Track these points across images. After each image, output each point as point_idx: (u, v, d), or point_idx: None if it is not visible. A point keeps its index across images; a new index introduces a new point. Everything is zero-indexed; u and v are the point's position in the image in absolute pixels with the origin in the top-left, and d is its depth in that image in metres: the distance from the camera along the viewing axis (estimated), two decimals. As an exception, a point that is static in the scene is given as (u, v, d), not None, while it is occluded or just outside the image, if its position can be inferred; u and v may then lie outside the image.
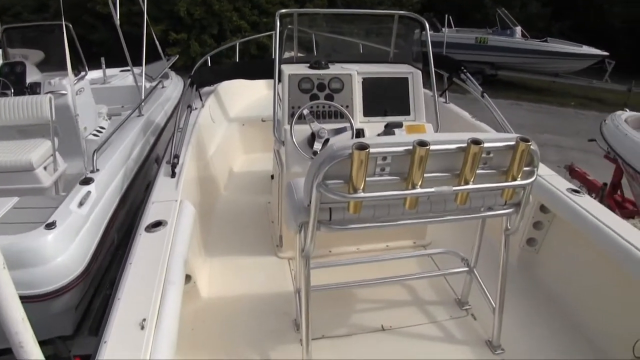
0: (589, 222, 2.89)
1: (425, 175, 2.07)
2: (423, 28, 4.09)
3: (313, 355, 2.62)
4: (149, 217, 2.80)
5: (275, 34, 3.86)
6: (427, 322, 3.15)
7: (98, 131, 5.96)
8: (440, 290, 3.43)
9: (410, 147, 1.99)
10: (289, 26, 4.56)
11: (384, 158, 2.04)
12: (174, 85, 7.78)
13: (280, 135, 3.67)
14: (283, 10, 4.04)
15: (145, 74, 7.96)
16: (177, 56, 9.16)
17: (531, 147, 2.13)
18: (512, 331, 2.94)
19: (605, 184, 6.45)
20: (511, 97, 16.68)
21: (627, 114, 6.30)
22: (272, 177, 4.06)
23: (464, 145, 2.06)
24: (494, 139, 2.18)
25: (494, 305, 2.80)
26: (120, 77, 7.70)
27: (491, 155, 2.18)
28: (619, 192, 6.50)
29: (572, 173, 7.14)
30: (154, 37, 7.98)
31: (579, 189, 3.26)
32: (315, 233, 2.25)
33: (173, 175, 3.34)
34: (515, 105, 15.87)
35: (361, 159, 1.93)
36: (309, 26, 6.17)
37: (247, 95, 6.48)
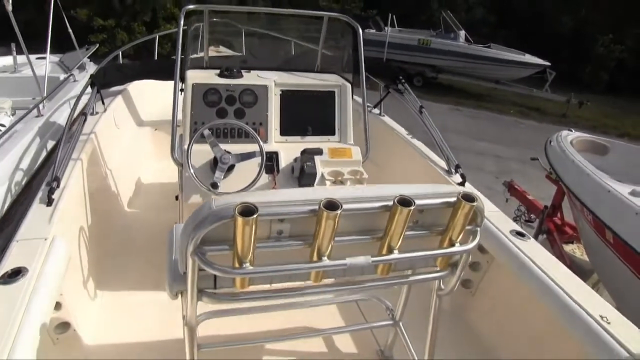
0: (529, 271, 2.56)
1: (336, 238, 1.63)
2: (355, 33, 3.64)
3: None
4: (7, 263, 2.18)
5: (179, 33, 3.34)
6: None
7: None
8: (362, 340, 3.01)
9: (315, 208, 1.53)
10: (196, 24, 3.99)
11: (281, 220, 1.60)
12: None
13: (179, 156, 3.15)
14: (190, 6, 3.42)
15: (62, 63, 7.07)
16: (97, 45, 8.16)
17: (477, 205, 1.72)
18: None
19: (546, 207, 6.18)
20: (451, 102, 16.82)
21: (573, 135, 5.99)
22: (177, 198, 3.46)
23: (389, 204, 1.61)
24: (428, 194, 1.75)
25: None
26: (36, 65, 6.84)
27: (424, 212, 1.79)
28: (559, 214, 6.21)
29: (512, 190, 6.91)
30: (66, 21, 7.02)
31: (523, 232, 2.88)
32: (197, 303, 1.83)
33: (49, 203, 2.65)
34: (455, 110, 15.91)
35: (247, 226, 1.47)
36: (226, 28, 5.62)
37: (162, 97, 5.76)
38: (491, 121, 15.28)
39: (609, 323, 2.13)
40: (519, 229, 2.92)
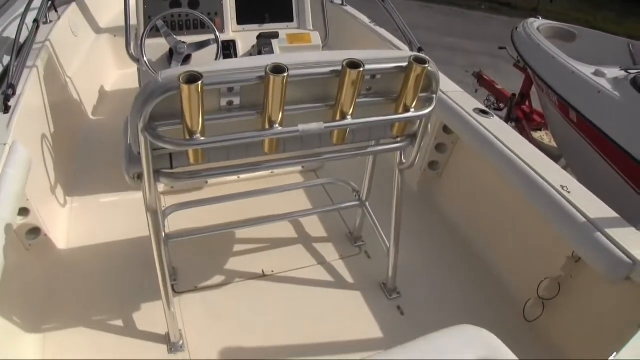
0: (493, 147, 2.62)
1: (287, 107, 1.64)
2: None
3: (183, 310, 2.46)
4: None
5: None
6: (314, 263, 2.86)
7: None
8: (331, 224, 3.13)
9: (262, 75, 1.50)
10: None
11: (230, 89, 1.56)
12: None
13: (136, 53, 3.09)
14: None
15: None
16: None
17: (429, 68, 1.70)
18: (410, 270, 2.73)
19: (514, 95, 6.23)
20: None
21: (539, 21, 5.95)
22: None
23: (338, 69, 1.58)
24: (379, 59, 1.70)
25: (388, 245, 2.55)
26: None
27: (378, 77, 1.75)
28: (527, 102, 6.26)
29: (480, 81, 6.94)
30: None
31: (487, 110, 2.93)
32: (155, 185, 1.83)
33: (6, 110, 2.58)
34: (425, 7, 15.51)
35: (194, 94, 1.45)
36: None
37: (120, 2, 5.58)
38: (461, 17, 15.00)
39: (569, 192, 2.21)
40: (482, 107, 2.95)
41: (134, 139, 1.66)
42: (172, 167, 1.83)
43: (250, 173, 1.98)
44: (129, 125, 1.69)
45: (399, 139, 2.08)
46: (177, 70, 1.47)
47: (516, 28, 5.87)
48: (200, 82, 1.41)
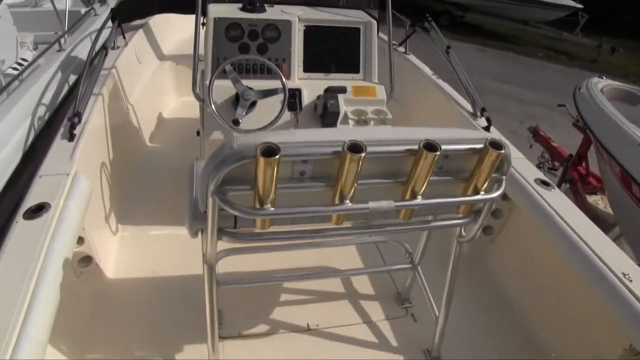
0: (552, 221, 2.54)
1: (359, 181, 1.61)
2: None
3: (226, 356, 2.47)
4: (30, 199, 2.21)
5: None
6: (359, 321, 2.83)
7: (19, 64, 5.02)
8: (380, 282, 3.09)
9: (339, 150, 1.49)
10: None
11: (304, 160, 1.56)
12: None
13: (200, 92, 3.15)
14: None
15: None
16: None
17: (504, 153, 1.67)
18: (454, 338, 2.64)
19: (571, 155, 6.04)
20: (477, 42, 16.33)
21: (603, 82, 5.78)
22: (198, 133, 3.44)
23: (415, 148, 1.58)
24: (455, 139, 1.70)
25: (437, 313, 2.50)
26: None
27: (449, 157, 1.75)
28: (584, 164, 6.08)
29: (536, 136, 6.76)
30: None
31: (548, 181, 2.85)
32: (216, 242, 1.82)
33: (71, 138, 2.66)
34: (481, 51, 15.50)
35: (269, 166, 1.44)
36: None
37: (184, 31, 5.73)
38: (517, 63, 14.91)
39: (630, 281, 2.12)
40: (544, 177, 2.88)
41: (202, 198, 1.68)
42: (235, 227, 1.83)
43: (311, 240, 1.99)
44: (197, 185, 1.69)
45: (461, 215, 2.05)
46: (252, 138, 1.47)
47: (579, 88, 5.73)
48: (278, 156, 1.41)
